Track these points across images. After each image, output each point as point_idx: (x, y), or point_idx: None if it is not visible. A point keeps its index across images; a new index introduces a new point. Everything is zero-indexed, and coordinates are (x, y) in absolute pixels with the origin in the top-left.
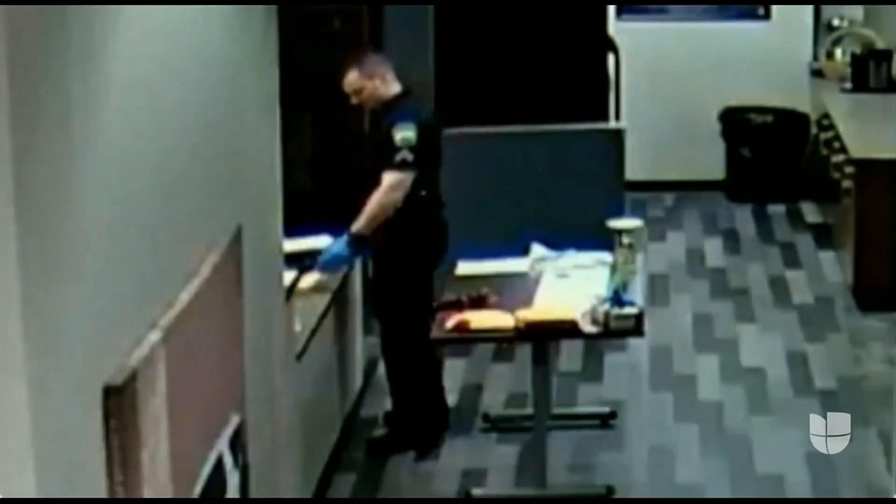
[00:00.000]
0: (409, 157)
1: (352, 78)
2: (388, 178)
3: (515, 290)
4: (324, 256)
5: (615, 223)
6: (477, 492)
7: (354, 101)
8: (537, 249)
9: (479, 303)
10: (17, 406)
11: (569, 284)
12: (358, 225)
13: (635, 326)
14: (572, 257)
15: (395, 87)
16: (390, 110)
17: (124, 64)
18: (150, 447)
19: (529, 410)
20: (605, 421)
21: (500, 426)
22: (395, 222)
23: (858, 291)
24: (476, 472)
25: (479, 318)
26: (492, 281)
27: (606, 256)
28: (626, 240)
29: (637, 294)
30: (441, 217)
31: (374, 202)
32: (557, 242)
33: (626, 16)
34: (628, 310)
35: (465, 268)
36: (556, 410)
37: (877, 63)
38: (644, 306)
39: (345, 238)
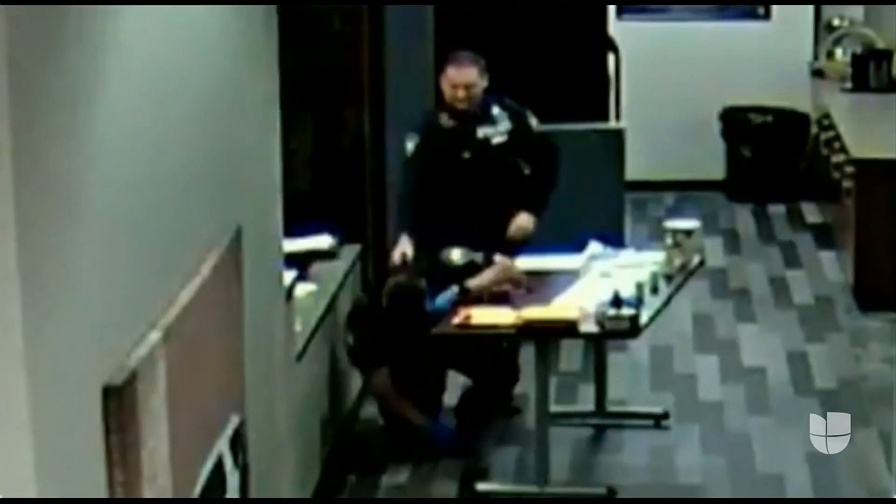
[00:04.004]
0: None
1: (473, 74)
2: None
3: (554, 287)
4: None
5: (670, 223)
6: (481, 486)
7: (462, 95)
8: (594, 246)
9: (500, 299)
10: (18, 406)
11: (603, 284)
12: None
13: (630, 328)
14: (627, 256)
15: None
16: (480, 109)
17: (124, 64)
18: (150, 447)
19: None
20: (658, 421)
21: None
22: None
23: (858, 291)
24: (477, 472)
25: (481, 315)
26: (539, 277)
27: (660, 256)
28: (669, 240)
29: (662, 294)
30: None
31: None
32: (557, 242)
33: (627, 15)
34: (625, 311)
35: (519, 262)
36: (611, 409)
37: (877, 63)
38: (658, 308)
39: None
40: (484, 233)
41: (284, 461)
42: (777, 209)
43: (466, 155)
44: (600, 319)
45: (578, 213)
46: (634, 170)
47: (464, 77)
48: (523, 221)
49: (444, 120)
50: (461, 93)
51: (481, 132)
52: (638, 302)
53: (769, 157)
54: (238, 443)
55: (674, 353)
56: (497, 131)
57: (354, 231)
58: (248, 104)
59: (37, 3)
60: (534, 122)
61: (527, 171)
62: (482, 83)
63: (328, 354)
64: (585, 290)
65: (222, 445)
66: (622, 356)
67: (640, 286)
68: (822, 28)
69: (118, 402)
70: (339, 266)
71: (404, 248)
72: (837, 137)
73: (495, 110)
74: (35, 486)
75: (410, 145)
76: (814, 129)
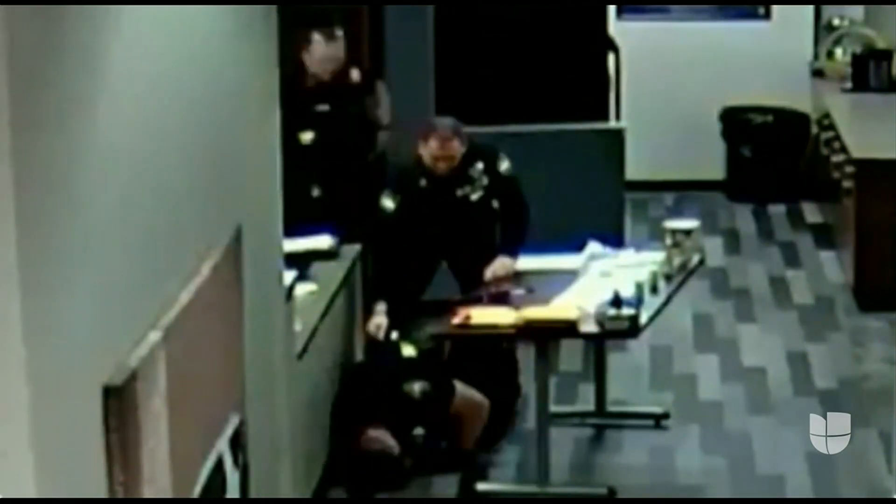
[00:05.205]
0: None
1: (456, 147)
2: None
3: (554, 287)
4: None
5: (669, 223)
6: (481, 486)
7: (443, 166)
8: (593, 246)
9: (500, 300)
10: (17, 406)
11: (603, 284)
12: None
13: (630, 328)
14: (626, 256)
15: None
16: (459, 170)
17: (124, 64)
18: (150, 447)
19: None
20: (658, 421)
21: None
22: None
23: (858, 291)
24: (477, 472)
25: (481, 315)
26: (539, 277)
27: (660, 256)
28: (669, 240)
29: (662, 294)
30: None
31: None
32: (557, 242)
33: (627, 15)
34: (625, 311)
35: (520, 262)
36: (611, 409)
37: (877, 63)
38: (658, 308)
39: None
40: (465, 285)
41: (284, 461)
42: (777, 209)
43: (445, 213)
44: (600, 319)
45: (578, 213)
46: (634, 170)
47: (447, 151)
48: (505, 262)
49: (423, 183)
50: (442, 165)
51: (460, 192)
52: (638, 302)
53: (769, 157)
54: (238, 443)
55: (674, 353)
56: (475, 188)
57: (354, 231)
58: (249, 105)
59: (37, 3)
60: (504, 165)
61: (495, 205)
62: (461, 150)
63: (329, 354)
64: (585, 290)
65: (222, 445)
66: (622, 356)
67: (639, 286)
68: (822, 28)
69: (118, 402)
70: (339, 266)
71: (380, 320)
72: (837, 137)
73: (476, 169)
74: (35, 486)
75: (389, 203)
76: (814, 129)
